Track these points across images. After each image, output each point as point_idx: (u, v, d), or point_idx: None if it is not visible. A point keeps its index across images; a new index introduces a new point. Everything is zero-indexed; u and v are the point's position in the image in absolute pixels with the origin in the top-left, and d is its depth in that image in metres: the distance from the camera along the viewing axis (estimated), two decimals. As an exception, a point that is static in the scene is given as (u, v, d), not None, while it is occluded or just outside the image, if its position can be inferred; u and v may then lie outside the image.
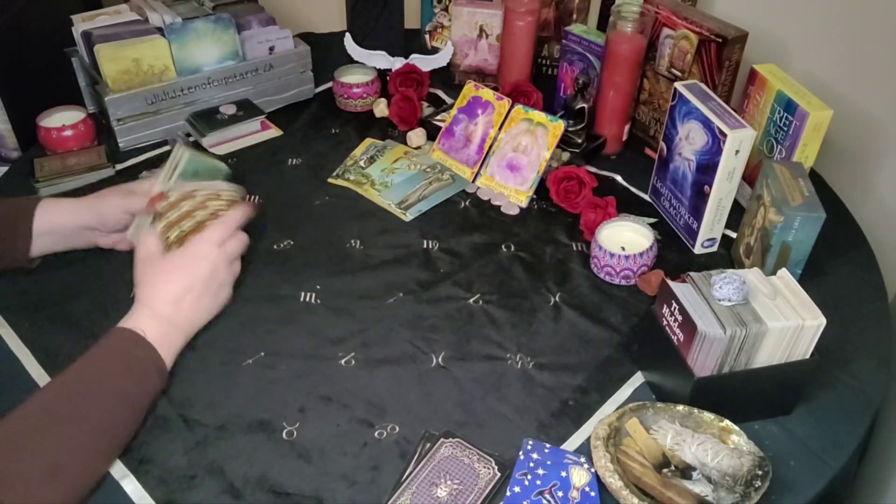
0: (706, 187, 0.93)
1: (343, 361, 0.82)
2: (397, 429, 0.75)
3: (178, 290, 0.79)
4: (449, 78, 1.35)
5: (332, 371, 0.81)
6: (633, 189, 1.11)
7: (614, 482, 0.67)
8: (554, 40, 1.34)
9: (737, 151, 0.88)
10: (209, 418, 0.76)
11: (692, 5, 1.18)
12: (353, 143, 1.19)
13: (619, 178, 1.13)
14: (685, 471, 0.69)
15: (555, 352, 0.84)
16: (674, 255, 0.98)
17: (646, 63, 1.14)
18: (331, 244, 0.99)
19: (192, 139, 1.17)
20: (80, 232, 0.91)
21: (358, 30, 1.37)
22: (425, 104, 1.25)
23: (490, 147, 1.10)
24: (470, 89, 1.14)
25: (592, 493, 0.68)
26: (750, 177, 1.00)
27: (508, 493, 0.67)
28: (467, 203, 1.07)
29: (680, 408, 0.73)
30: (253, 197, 0.91)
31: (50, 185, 1.05)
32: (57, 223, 0.88)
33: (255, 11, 1.22)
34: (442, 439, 0.73)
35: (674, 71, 1.11)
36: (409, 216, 1.04)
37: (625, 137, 1.18)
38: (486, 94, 1.12)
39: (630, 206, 1.05)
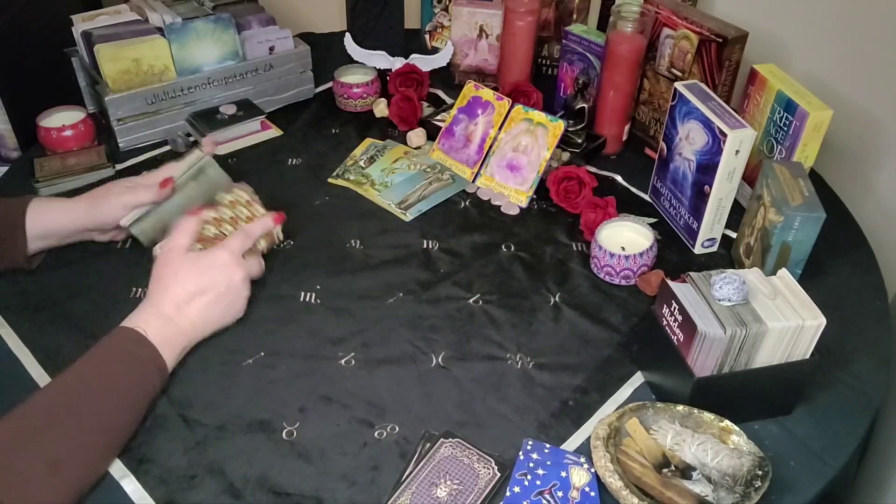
0: (706, 187, 0.93)
1: (343, 361, 0.82)
2: (397, 429, 0.75)
3: (188, 293, 0.79)
4: (449, 78, 1.35)
5: (332, 371, 0.81)
6: (633, 189, 1.11)
7: (614, 482, 0.67)
8: (554, 40, 1.34)
9: (737, 151, 0.89)
10: (209, 418, 0.76)
11: (692, 5, 1.18)
12: (353, 143, 1.19)
13: (619, 178, 1.13)
14: (685, 471, 0.69)
15: (555, 352, 0.84)
16: (674, 255, 0.98)
17: (646, 63, 1.14)
18: (331, 244, 0.99)
19: (192, 139, 1.17)
20: (76, 232, 0.91)
21: (358, 30, 1.37)
22: (425, 104, 1.25)
23: (490, 147, 1.10)
24: (470, 89, 1.14)
25: (592, 494, 0.68)
26: (750, 177, 1.00)
27: (508, 494, 0.67)
28: (467, 203, 1.07)
29: (680, 408, 0.73)
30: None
31: (50, 185, 1.05)
32: (52, 227, 0.88)
33: (255, 11, 1.22)
34: (442, 439, 0.73)
35: (674, 71, 1.11)
36: (409, 216, 1.04)
37: (625, 137, 1.18)
38: (486, 94, 1.12)
39: (630, 206, 1.05)
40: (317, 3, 1.57)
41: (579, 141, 1.14)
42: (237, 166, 1.13)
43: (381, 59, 1.32)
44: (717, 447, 0.70)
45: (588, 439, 0.73)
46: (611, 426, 0.72)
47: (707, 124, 0.90)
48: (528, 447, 0.72)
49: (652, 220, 1.03)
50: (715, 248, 0.99)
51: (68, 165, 1.07)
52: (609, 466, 0.68)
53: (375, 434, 0.75)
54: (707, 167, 0.92)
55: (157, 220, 0.90)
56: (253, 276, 0.86)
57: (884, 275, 0.96)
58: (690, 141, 0.94)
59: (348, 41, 1.34)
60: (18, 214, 0.86)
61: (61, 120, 1.11)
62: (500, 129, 1.10)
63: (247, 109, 1.20)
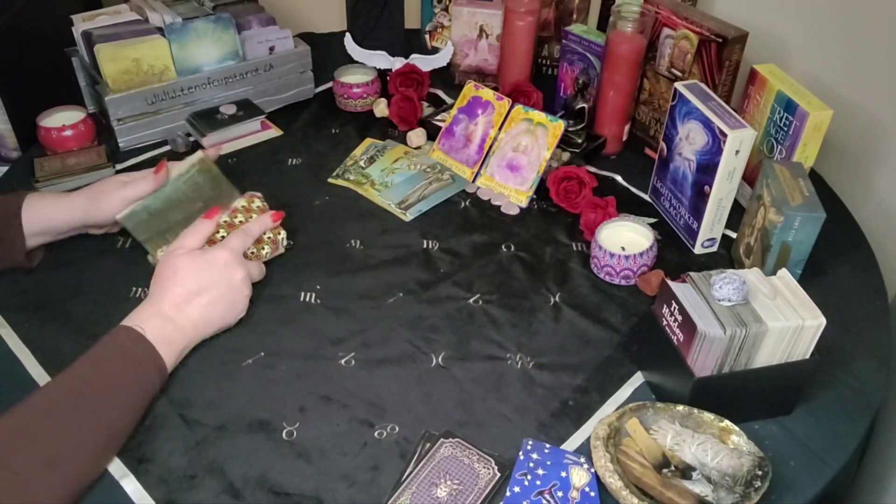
0: (706, 187, 0.93)
1: (343, 361, 0.82)
2: (397, 429, 0.75)
3: (188, 292, 0.79)
4: (449, 78, 1.35)
5: (332, 371, 0.81)
6: (633, 189, 1.11)
7: (614, 482, 0.67)
8: (554, 40, 1.34)
9: (737, 151, 0.89)
10: (209, 418, 0.75)
11: (692, 5, 1.18)
12: (353, 143, 1.19)
13: (619, 178, 1.13)
14: (685, 471, 0.69)
15: (555, 352, 0.84)
16: (674, 255, 0.98)
17: (646, 63, 1.14)
18: (331, 244, 0.99)
19: (192, 139, 1.17)
20: (73, 229, 0.91)
21: (358, 30, 1.37)
22: (425, 104, 1.25)
23: (490, 147, 1.10)
24: (470, 89, 1.14)
25: (592, 494, 0.68)
26: (750, 177, 1.00)
27: (508, 494, 0.67)
28: (467, 203, 1.07)
29: (680, 408, 0.73)
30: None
31: (50, 184, 1.05)
32: (50, 223, 0.88)
33: (255, 11, 1.22)
34: (442, 439, 0.73)
35: (674, 71, 1.11)
36: (409, 216, 1.04)
37: (625, 137, 1.18)
38: (486, 94, 1.12)
39: (630, 206, 1.05)
40: (317, 3, 1.57)
41: (579, 141, 1.14)
42: (237, 166, 1.13)
43: (381, 59, 1.32)
44: (717, 447, 0.70)
45: (588, 439, 0.73)
46: (611, 426, 0.72)
47: (707, 124, 0.90)
48: (528, 447, 0.72)
49: (652, 220, 1.03)
50: (715, 248, 0.99)
51: (68, 165, 1.07)
52: (609, 466, 0.68)
53: (375, 434, 0.75)
54: (707, 167, 0.92)
55: (144, 210, 0.89)
56: (253, 279, 0.86)
57: (884, 275, 0.96)
58: (690, 141, 0.94)
59: (348, 41, 1.34)
60: (15, 211, 0.86)
61: (61, 120, 1.11)
62: (500, 129, 1.10)
63: (247, 109, 1.20)
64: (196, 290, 0.79)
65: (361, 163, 1.14)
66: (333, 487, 0.70)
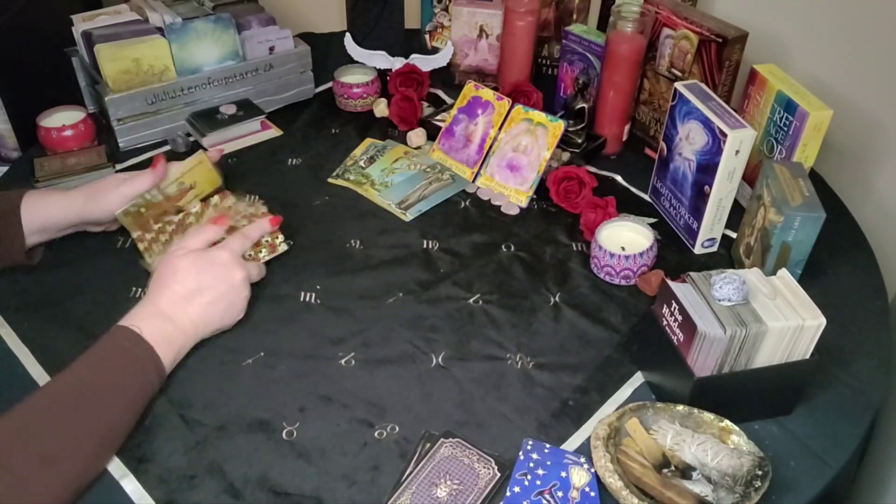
0: (706, 187, 0.93)
1: (343, 361, 0.82)
2: (397, 429, 0.75)
3: (187, 291, 0.79)
4: (449, 78, 1.35)
5: (332, 371, 0.81)
6: (633, 189, 1.11)
7: (614, 482, 0.67)
8: (554, 40, 1.34)
9: (737, 151, 0.88)
10: (209, 418, 0.75)
11: (692, 5, 1.18)
12: (353, 143, 1.19)
13: (619, 178, 1.13)
14: (685, 471, 0.69)
15: (555, 352, 0.84)
16: (674, 255, 0.98)
17: (646, 63, 1.14)
18: (331, 244, 0.99)
19: (192, 139, 1.17)
20: (72, 226, 0.91)
21: (358, 30, 1.37)
22: (425, 104, 1.25)
23: (490, 147, 1.10)
24: (470, 89, 1.14)
25: (592, 494, 0.68)
26: (750, 177, 1.00)
27: (508, 494, 0.67)
28: (467, 203, 1.07)
29: (680, 408, 0.73)
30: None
31: (50, 184, 1.04)
32: (49, 220, 0.88)
33: (255, 11, 1.22)
34: (442, 439, 0.73)
35: (674, 71, 1.11)
36: (409, 216, 1.04)
37: (625, 137, 1.18)
38: (486, 94, 1.12)
39: (630, 206, 1.05)
40: (317, 3, 1.57)
41: (579, 141, 1.14)
42: (237, 166, 1.13)
43: (381, 59, 1.32)
44: (717, 447, 0.70)
45: (588, 439, 0.73)
46: (611, 426, 0.72)
47: (707, 124, 0.90)
48: (528, 447, 0.72)
49: (652, 220, 1.03)
50: (715, 248, 0.99)
51: (68, 165, 1.07)
52: (609, 466, 0.68)
53: (375, 434, 0.75)
54: (707, 167, 0.92)
55: (140, 205, 0.90)
56: (252, 279, 0.86)
57: (884, 275, 0.96)
58: (690, 141, 0.94)
59: (348, 41, 1.34)
60: (14, 208, 0.86)
61: (61, 120, 1.11)
62: (500, 129, 1.10)
63: (247, 109, 1.20)
64: (196, 290, 0.79)
65: (361, 163, 1.14)
66: (333, 487, 0.70)
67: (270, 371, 0.81)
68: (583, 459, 0.71)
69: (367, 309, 0.89)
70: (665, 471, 0.69)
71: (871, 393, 0.80)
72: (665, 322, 0.76)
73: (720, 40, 1.02)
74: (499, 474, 0.70)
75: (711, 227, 0.96)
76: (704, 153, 0.92)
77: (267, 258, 0.93)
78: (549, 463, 0.70)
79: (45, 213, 0.88)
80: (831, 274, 0.95)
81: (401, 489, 0.68)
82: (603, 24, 1.28)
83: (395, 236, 1.01)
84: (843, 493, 0.81)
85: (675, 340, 0.74)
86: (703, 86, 0.95)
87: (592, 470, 0.69)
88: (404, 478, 0.69)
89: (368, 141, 1.20)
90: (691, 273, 0.76)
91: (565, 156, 1.13)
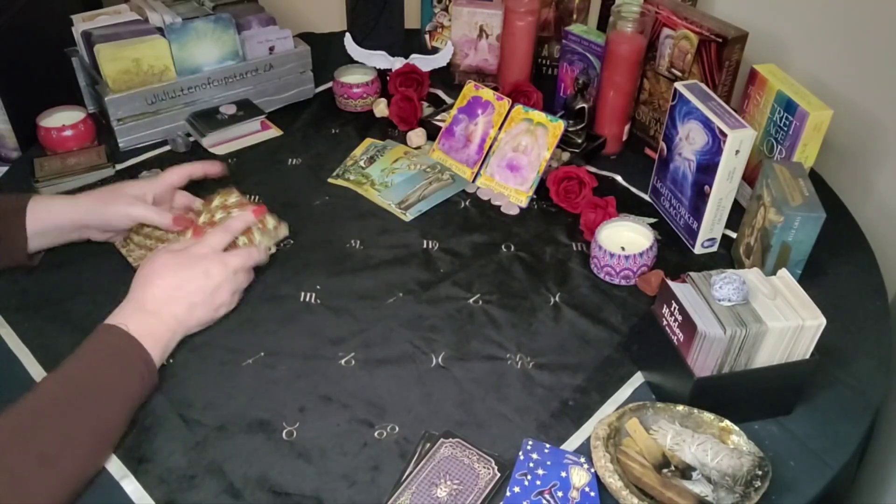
0: (706, 187, 0.93)
1: (343, 361, 0.82)
2: (397, 429, 0.75)
3: (167, 287, 0.80)
4: (449, 78, 1.35)
5: (332, 371, 0.81)
6: (633, 189, 1.11)
7: (614, 482, 0.67)
8: (554, 40, 1.34)
9: (737, 151, 0.88)
10: (209, 418, 0.75)
11: (692, 5, 1.18)
12: (353, 143, 1.19)
13: (619, 178, 1.13)
14: (685, 471, 0.69)
15: (555, 352, 0.84)
16: (674, 255, 0.98)
17: (646, 63, 1.14)
18: (331, 244, 0.99)
19: (192, 139, 1.17)
20: (76, 229, 0.91)
21: (358, 30, 1.37)
22: (425, 104, 1.25)
23: (490, 147, 1.10)
24: (470, 89, 1.14)
25: (592, 494, 0.68)
26: (750, 177, 1.00)
27: (508, 494, 0.67)
28: (467, 203, 1.07)
29: (680, 408, 0.73)
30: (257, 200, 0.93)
31: (50, 185, 1.05)
32: (53, 222, 0.88)
33: (255, 11, 1.22)
34: (442, 439, 0.73)
35: (674, 71, 1.11)
36: (409, 216, 1.04)
37: (625, 137, 1.18)
38: (486, 94, 1.12)
39: (630, 206, 1.05)
40: (317, 3, 1.57)
41: (579, 141, 1.14)
42: (237, 166, 1.13)
43: (381, 59, 1.32)
44: (717, 447, 0.70)
45: (588, 439, 0.73)
46: (611, 426, 0.72)
47: (707, 124, 0.90)
48: (528, 447, 0.72)
49: (652, 220, 1.03)
50: (715, 248, 0.99)
51: (68, 165, 1.07)
52: (609, 466, 0.68)
53: (375, 434, 0.75)
54: (707, 167, 0.92)
55: (137, 244, 0.94)
56: (257, 262, 0.88)
57: (884, 275, 0.96)
58: (690, 141, 0.94)
59: (348, 41, 1.34)
60: (20, 210, 0.86)
61: (61, 120, 1.11)
62: (500, 129, 1.10)
63: (247, 109, 1.20)
64: (177, 286, 0.80)
65: (361, 163, 1.14)
66: (333, 487, 0.70)
67: (270, 371, 0.81)
68: (583, 459, 0.71)
69: (367, 309, 0.89)
70: (665, 471, 0.69)
71: (871, 393, 0.80)
72: (665, 322, 0.76)
73: (720, 40, 1.02)
74: (499, 474, 0.70)
75: (711, 227, 0.96)
76: (704, 153, 0.92)
77: (271, 244, 0.92)
78: (549, 463, 0.70)
79: (48, 215, 0.88)
80: (831, 274, 0.95)
81: (401, 489, 0.68)
82: (603, 24, 1.28)
83: (395, 236, 1.01)
84: (843, 493, 0.81)
85: (675, 340, 0.74)
86: (703, 86, 0.95)
87: (592, 470, 0.69)
88: (404, 478, 0.69)
89: (368, 141, 1.20)
90: (691, 273, 0.76)
91: (565, 156, 1.13)
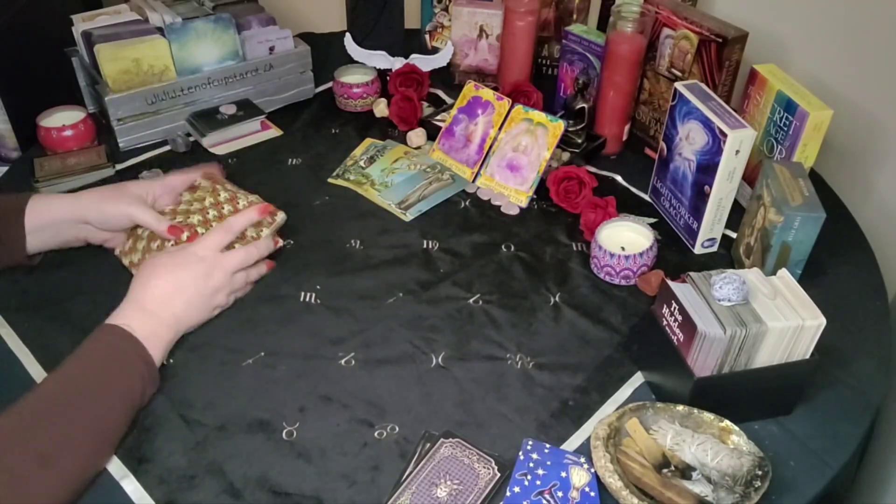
0: (706, 187, 0.93)
1: (343, 361, 0.82)
2: (397, 429, 0.75)
3: (168, 287, 0.80)
4: (449, 78, 1.35)
5: (332, 371, 0.81)
6: (633, 189, 1.11)
7: (614, 482, 0.67)
8: (554, 40, 1.34)
9: (737, 151, 0.88)
10: (209, 418, 0.75)
11: (692, 5, 1.18)
12: (353, 143, 1.19)
13: (619, 178, 1.13)
14: (685, 471, 0.69)
15: (555, 352, 0.84)
16: (674, 255, 0.98)
17: (646, 63, 1.14)
18: (331, 244, 0.99)
19: (192, 139, 1.17)
20: (75, 226, 0.90)
21: (358, 30, 1.37)
22: (425, 104, 1.25)
23: (490, 147, 1.10)
24: (470, 89, 1.14)
25: (592, 494, 0.68)
26: (750, 177, 1.00)
27: (508, 494, 0.67)
28: (467, 203, 1.07)
29: (680, 408, 0.73)
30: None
31: (50, 184, 1.05)
32: (52, 217, 0.88)
33: (255, 11, 1.22)
34: (442, 439, 0.73)
35: (674, 71, 1.11)
36: (409, 216, 1.04)
37: (625, 137, 1.18)
38: (486, 94, 1.12)
39: (630, 206, 1.05)
40: (317, 3, 1.57)
41: (579, 141, 1.14)
42: (237, 166, 1.13)
43: (381, 59, 1.32)
44: (717, 447, 0.70)
45: (588, 439, 0.73)
46: (611, 426, 0.72)
47: (707, 124, 0.90)
48: (528, 447, 0.72)
49: (652, 220, 1.03)
50: (715, 248, 0.99)
51: (68, 165, 1.07)
52: (609, 466, 0.68)
53: (375, 434, 0.75)
54: (707, 167, 0.92)
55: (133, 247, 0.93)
56: (261, 256, 0.88)
57: (884, 275, 0.96)
58: (690, 141, 0.94)
59: (348, 41, 1.34)
60: (19, 211, 0.86)
61: (61, 120, 1.11)
62: (500, 129, 1.10)
63: (247, 109, 1.20)
64: (177, 284, 0.80)
65: (361, 163, 1.14)
66: (333, 487, 0.70)
67: (270, 371, 0.81)
68: (583, 459, 0.71)
69: (367, 309, 0.89)
70: (665, 471, 0.69)
71: (871, 393, 0.80)
72: (665, 322, 0.76)
73: (720, 40, 1.02)
74: (499, 474, 0.70)
75: (711, 227, 0.96)
76: (704, 153, 0.92)
77: (268, 233, 0.92)
78: (549, 463, 0.70)
79: (49, 211, 0.88)
80: (831, 274, 0.95)
81: (401, 489, 0.68)
82: (603, 24, 1.28)
83: (395, 236, 1.01)
84: (843, 493, 0.81)
85: (675, 340, 0.74)
86: (703, 86, 0.95)
87: (592, 470, 0.69)
88: (404, 478, 0.69)
89: (368, 141, 1.20)
90: (691, 273, 0.76)
91: (565, 156, 1.13)
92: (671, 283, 0.74)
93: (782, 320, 0.71)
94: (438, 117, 1.21)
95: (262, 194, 0.96)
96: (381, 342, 0.85)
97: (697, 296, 0.73)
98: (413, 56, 1.32)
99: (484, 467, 0.70)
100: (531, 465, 0.70)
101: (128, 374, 0.73)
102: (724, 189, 0.92)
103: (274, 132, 1.22)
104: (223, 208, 0.91)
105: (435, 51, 1.39)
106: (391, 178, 1.10)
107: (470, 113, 1.13)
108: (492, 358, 0.83)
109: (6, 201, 0.88)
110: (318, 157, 1.16)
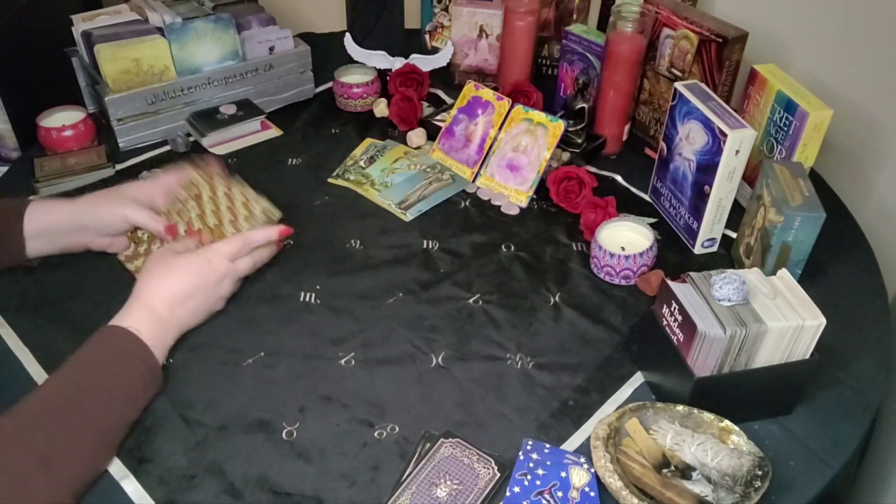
0: (706, 187, 0.93)
1: (343, 361, 0.82)
2: (397, 429, 0.75)
3: (179, 293, 0.80)
4: (449, 78, 1.35)
5: (332, 371, 0.81)
6: (633, 189, 1.11)
7: (614, 482, 0.67)
8: (554, 40, 1.34)
9: (737, 151, 0.88)
10: (209, 418, 0.75)
11: (692, 5, 1.18)
12: (353, 143, 1.19)
13: (619, 178, 1.13)
14: (685, 471, 0.69)
15: (555, 352, 0.84)
16: (674, 255, 0.98)
17: (646, 63, 1.14)
18: (331, 244, 0.99)
19: (192, 139, 1.17)
20: (74, 231, 0.90)
21: (358, 30, 1.37)
22: (425, 104, 1.25)
23: (490, 147, 1.10)
24: (470, 89, 1.14)
25: (592, 494, 0.68)
26: (750, 177, 1.00)
27: (508, 494, 0.67)
28: (467, 203, 1.07)
29: (680, 408, 0.73)
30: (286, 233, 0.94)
31: (50, 184, 1.05)
32: (51, 223, 0.88)
33: (255, 11, 1.22)
34: (442, 439, 0.73)
35: (674, 71, 1.11)
36: (409, 216, 1.04)
37: (625, 137, 1.18)
38: (486, 94, 1.12)
39: (630, 206, 1.05)
40: (317, 3, 1.57)
41: (579, 141, 1.14)
42: (237, 166, 1.13)
43: (381, 59, 1.32)
44: (717, 447, 0.70)
45: (588, 439, 0.73)
46: (611, 426, 0.72)
47: (707, 124, 0.90)
48: (528, 447, 0.72)
49: (652, 220, 1.03)
50: (715, 248, 0.99)
51: (68, 165, 1.07)
52: (609, 466, 0.68)
53: (375, 434, 0.75)
54: (707, 167, 0.92)
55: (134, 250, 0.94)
56: (241, 275, 0.88)
57: (884, 275, 0.96)
58: (690, 141, 0.94)
59: (348, 41, 1.34)
60: (18, 216, 0.86)
61: (61, 120, 1.11)
62: (500, 129, 1.10)
63: (247, 109, 1.20)
64: (190, 294, 0.81)
65: (361, 163, 1.14)
66: (333, 487, 0.70)
67: (270, 371, 0.81)
68: (583, 459, 0.71)
69: (367, 309, 0.89)
70: (665, 471, 0.69)
71: (871, 393, 0.80)
72: (665, 322, 0.76)
73: (720, 40, 1.02)
74: (499, 474, 0.70)
75: (711, 227, 0.96)
76: (704, 153, 0.92)
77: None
78: (548, 463, 0.70)
79: (48, 216, 0.88)
80: (831, 274, 0.95)
81: (401, 489, 0.68)
82: (603, 24, 1.28)
83: (395, 236, 1.01)
84: (843, 493, 0.81)
85: (675, 340, 0.74)
86: (703, 86, 0.95)
87: (592, 470, 0.70)
88: (404, 478, 0.69)
89: (368, 141, 1.20)
90: (691, 273, 0.76)
91: (565, 156, 1.13)
92: (671, 283, 0.74)
93: (782, 320, 0.71)
94: (438, 117, 1.21)
95: (261, 194, 0.96)
96: (381, 342, 0.85)
97: (697, 296, 0.73)
98: (413, 56, 1.32)
99: (484, 467, 0.70)
100: (531, 465, 0.70)
101: (134, 380, 0.73)
102: (724, 189, 0.92)
103: (274, 132, 1.22)
104: (219, 202, 0.91)
105: (435, 51, 1.39)
106: (391, 178, 1.10)
107: (470, 113, 1.13)
108: (492, 358, 0.83)
109: (5, 204, 0.88)
110: (318, 157, 1.16)
